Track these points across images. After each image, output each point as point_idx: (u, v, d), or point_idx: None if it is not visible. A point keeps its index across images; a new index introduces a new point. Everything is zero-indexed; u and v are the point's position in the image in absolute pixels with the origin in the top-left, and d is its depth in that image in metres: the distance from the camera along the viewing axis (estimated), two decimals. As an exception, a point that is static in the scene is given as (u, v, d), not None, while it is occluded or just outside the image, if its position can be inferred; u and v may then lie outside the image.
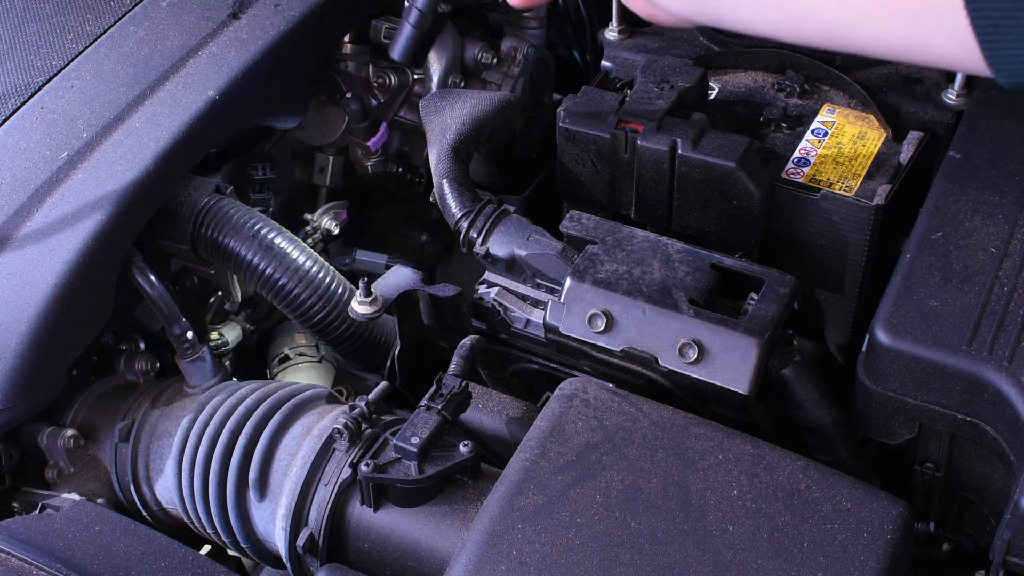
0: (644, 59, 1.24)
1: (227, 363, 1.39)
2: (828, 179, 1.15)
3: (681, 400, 1.02)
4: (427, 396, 1.00)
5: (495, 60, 1.50)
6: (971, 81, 1.19)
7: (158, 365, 1.26)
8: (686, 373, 0.99)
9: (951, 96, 1.20)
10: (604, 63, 1.32)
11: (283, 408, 1.10)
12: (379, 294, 1.11)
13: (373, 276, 1.17)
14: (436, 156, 1.19)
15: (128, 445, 1.17)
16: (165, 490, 1.16)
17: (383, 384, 1.09)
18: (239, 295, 1.37)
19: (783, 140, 1.19)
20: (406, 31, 1.32)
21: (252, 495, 1.07)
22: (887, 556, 0.84)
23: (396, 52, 1.33)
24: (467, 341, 1.10)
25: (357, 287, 1.10)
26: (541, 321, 1.07)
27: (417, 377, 1.21)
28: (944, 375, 0.93)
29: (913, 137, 1.16)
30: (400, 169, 1.52)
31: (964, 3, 0.59)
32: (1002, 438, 0.93)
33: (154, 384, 1.23)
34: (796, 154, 1.18)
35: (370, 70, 1.44)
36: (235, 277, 1.30)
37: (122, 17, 1.28)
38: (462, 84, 1.48)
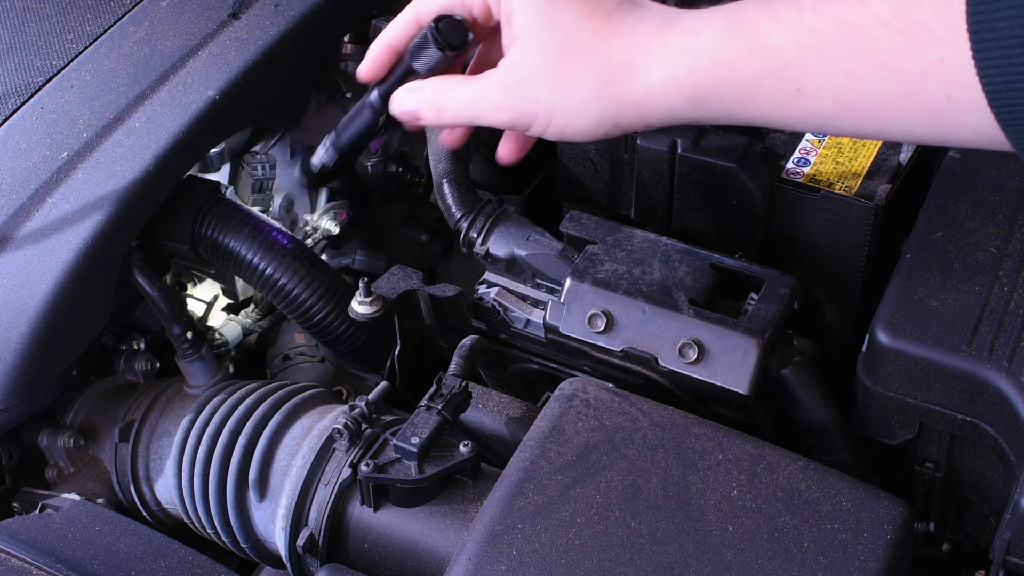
0: (644, 59, 1.24)
1: (228, 363, 1.39)
2: (828, 179, 1.15)
3: (681, 400, 1.02)
4: (427, 396, 1.00)
5: (495, 60, 1.50)
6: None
7: (158, 365, 1.26)
8: (686, 373, 0.99)
9: (951, 96, 1.20)
10: (604, 63, 1.32)
11: (283, 408, 1.11)
12: (379, 294, 1.11)
13: (373, 276, 1.17)
14: (436, 156, 1.19)
15: (128, 445, 1.17)
16: (165, 490, 1.16)
17: (383, 384, 1.09)
18: (239, 295, 1.37)
19: (783, 140, 1.19)
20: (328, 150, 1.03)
21: (252, 495, 1.07)
22: (887, 556, 0.84)
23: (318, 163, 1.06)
24: (467, 341, 1.10)
25: (357, 287, 1.10)
26: (541, 321, 1.07)
27: (417, 377, 1.21)
28: (944, 375, 0.93)
29: (913, 137, 1.16)
30: (400, 169, 1.52)
31: (988, 103, 0.61)
32: (1002, 438, 0.93)
33: (154, 384, 1.23)
34: (796, 154, 1.17)
35: (370, 70, 1.44)
36: (235, 277, 1.30)
37: (122, 17, 1.28)
38: (462, 84, 1.48)
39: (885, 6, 0.65)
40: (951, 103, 0.64)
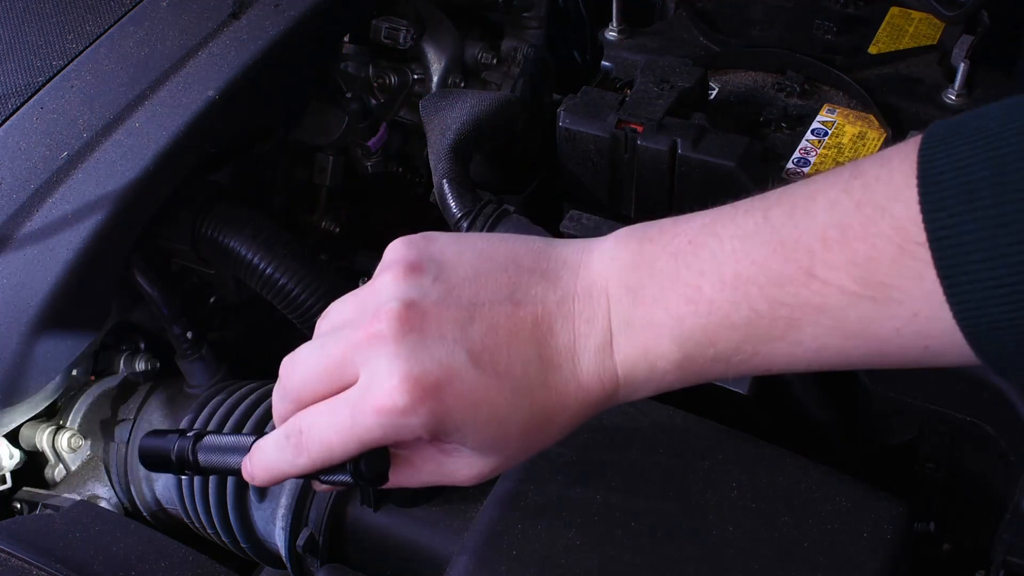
0: (644, 59, 1.24)
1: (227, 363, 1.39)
2: (828, 179, 1.14)
3: (681, 400, 1.02)
4: (427, 396, 1.00)
5: (495, 60, 1.50)
6: (971, 81, 1.19)
7: (158, 365, 1.26)
8: (686, 373, 0.99)
9: (951, 96, 1.20)
10: (604, 63, 1.32)
11: (283, 408, 1.10)
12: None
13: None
14: (436, 156, 1.18)
15: (128, 445, 1.17)
16: (165, 490, 1.16)
17: (383, 384, 1.09)
18: (239, 295, 1.37)
19: (783, 140, 1.19)
20: None
21: (252, 495, 1.07)
22: (887, 556, 0.84)
23: None
24: (467, 341, 1.10)
25: (357, 287, 1.10)
26: (541, 321, 1.07)
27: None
28: (944, 375, 0.93)
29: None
30: (400, 169, 1.52)
31: (970, 345, 0.58)
32: (1002, 438, 0.93)
33: (154, 384, 1.23)
34: (796, 154, 1.17)
35: (370, 70, 1.44)
36: (235, 277, 1.30)
37: (122, 17, 1.28)
38: (462, 84, 1.48)
39: (846, 275, 0.60)
40: (928, 351, 0.61)
